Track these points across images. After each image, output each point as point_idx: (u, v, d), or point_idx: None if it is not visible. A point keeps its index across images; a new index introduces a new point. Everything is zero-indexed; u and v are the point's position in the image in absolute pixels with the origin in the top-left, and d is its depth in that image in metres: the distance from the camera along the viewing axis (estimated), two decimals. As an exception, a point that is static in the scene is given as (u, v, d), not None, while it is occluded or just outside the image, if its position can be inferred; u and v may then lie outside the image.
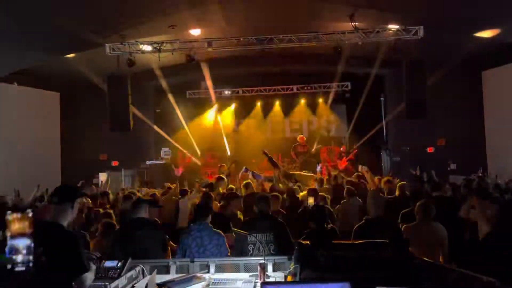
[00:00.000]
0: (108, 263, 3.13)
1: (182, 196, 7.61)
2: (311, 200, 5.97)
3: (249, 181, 8.60)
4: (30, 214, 1.48)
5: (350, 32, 10.26)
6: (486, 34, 10.49)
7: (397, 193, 7.09)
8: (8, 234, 1.46)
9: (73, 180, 11.47)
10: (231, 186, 8.45)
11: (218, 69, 13.77)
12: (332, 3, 9.52)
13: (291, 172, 12.17)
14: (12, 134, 11.86)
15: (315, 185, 8.83)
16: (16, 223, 1.47)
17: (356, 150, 14.67)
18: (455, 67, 12.14)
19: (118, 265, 3.11)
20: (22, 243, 1.48)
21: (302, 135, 15.50)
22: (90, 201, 7.39)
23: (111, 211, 6.20)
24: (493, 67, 13.01)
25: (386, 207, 4.90)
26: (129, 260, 3.16)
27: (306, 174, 12.32)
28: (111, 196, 8.42)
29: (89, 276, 2.81)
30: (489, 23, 9.95)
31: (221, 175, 9.15)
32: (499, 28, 10.20)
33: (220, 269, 3.57)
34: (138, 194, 8.10)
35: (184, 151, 15.27)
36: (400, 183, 7.40)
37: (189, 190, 8.10)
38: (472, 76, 13.59)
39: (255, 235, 4.46)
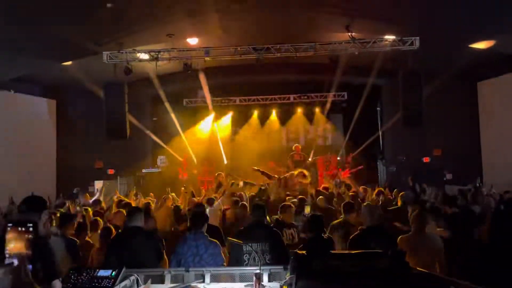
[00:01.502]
0: (102, 272, 3.09)
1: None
2: (307, 209, 5.96)
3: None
4: (31, 229, 1.46)
5: (347, 42, 10.32)
6: (481, 45, 10.59)
7: (399, 203, 7.12)
8: (7, 251, 1.44)
9: (68, 188, 11.44)
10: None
11: (215, 78, 13.80)
12: (328, 14, 9.60)
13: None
14: (8, 141, 11.81)
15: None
16: (14, 241, 1.45)
17: (361, 166, 14.52)
18: (451, 77, 12.23)
19: (112, 274, 3.07)
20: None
21: (297, 144, 15.46)
22: (90, 210, 7.36)
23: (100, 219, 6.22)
24: (489, 78, 13.11)
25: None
26: (123, 269, 3.13)
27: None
28: (103, 205, 8.40)
29: (58, 284, 2.84)
30: (484, 34, 10.04)
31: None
32: (494, 40, 10.30)
33: (215, 278, 3.54)
34: (133, 202, 8.09)
35: (181, 159, 15.23)
36: (402, 193, 7.43)
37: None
38: (468, 87, 13.69)
39: (250, 244, 4.43)
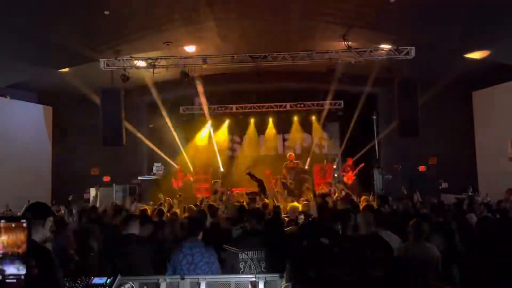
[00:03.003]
0: (97, 280, 3.08)
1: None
2: (301, 217, 5.96)
3: None
4: (25, 225, 1.43)
5: (343, 51, 10.39)
6: (476, 55, 10.69)
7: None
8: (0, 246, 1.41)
9: (63, 195, 11.39)
10: None
11: (212, 86, 13.82)
12: (325, 23, 9.67)
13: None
14: (4, 147, 11.77)
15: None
16: (9, 233, 1.42)
17: (363, 164, 14.53)
18: (446, 86, 12.31)
19: (107, 281, 3.06)
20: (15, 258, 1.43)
21: (291, 153, 15.47)
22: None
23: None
24: (483, 88, 13.22)
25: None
26: (119, 277, 3.11)
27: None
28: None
29: None
30: (479, 44, 10.14)
31: None
32: (488, 50, 10.39)
33: (211, 286, 3.53)
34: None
35: (177, 166, 15.20)
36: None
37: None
38: (463, 96, 13.79)
39: (246, 252, 4.41)
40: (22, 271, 1.41)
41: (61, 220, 5.75)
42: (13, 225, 1.44)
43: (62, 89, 12.88)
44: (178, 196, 11.02)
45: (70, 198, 10.73)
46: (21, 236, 1.43)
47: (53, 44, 9.06)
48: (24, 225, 1.44)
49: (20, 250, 1.41)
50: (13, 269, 1.40)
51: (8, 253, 1.42)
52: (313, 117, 16.71)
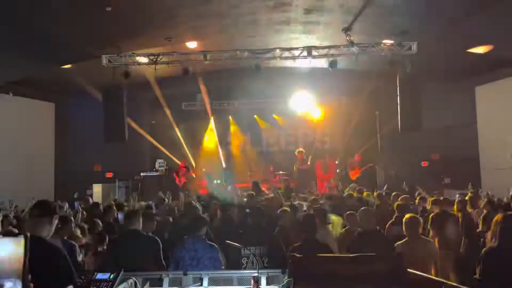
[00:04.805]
0: (100, 275, 3.09)
1: None
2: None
3: None
4: (22, 242, 1.42)
5: (346, 46, 10.34)
6: (480, 50, 10.63)
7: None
8: None
9: (66, 191, 11.44)
10: None
11: (214, 82, 13.82)
12: (326, 18, 9.64)
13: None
14: (6, 144, 11.80)
15: None
16: (6, 249, 1.41)
17: (372, 164, 14.44)
18: (449, 82, 12.26)
19: (111, 277, 3.07)
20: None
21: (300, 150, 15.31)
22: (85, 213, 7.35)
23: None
24: (487, 83, 13.16)
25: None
26: (122, 272, 3.13)
27: None
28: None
29: None
30: (482, 39, 10.08)
31: None
32: (492, 44, 10.33)
33: (213, 282, 3.54)
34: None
35: (179, 162, 15.24)
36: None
37: None
38: (466, 91, 13.72)
39: (249, 248, 4.43)
40: (18, 286, 1.41)
41: (63, 216, 5.76)
42: (10, 240, 1.43)
43: (65, 86, 12.90)
44: (185, 193, 11.07)
45: (75, 196, 10.78)
46: (18, 252, 1.42)
47: (55, 40, 9.07)
48: (22, 241, 1.43)
49: (17, 266, 1.41)
50: (10, 284, 1.41)
51: (5, 268, 1.41)
52: (315, 113, 16.65)
